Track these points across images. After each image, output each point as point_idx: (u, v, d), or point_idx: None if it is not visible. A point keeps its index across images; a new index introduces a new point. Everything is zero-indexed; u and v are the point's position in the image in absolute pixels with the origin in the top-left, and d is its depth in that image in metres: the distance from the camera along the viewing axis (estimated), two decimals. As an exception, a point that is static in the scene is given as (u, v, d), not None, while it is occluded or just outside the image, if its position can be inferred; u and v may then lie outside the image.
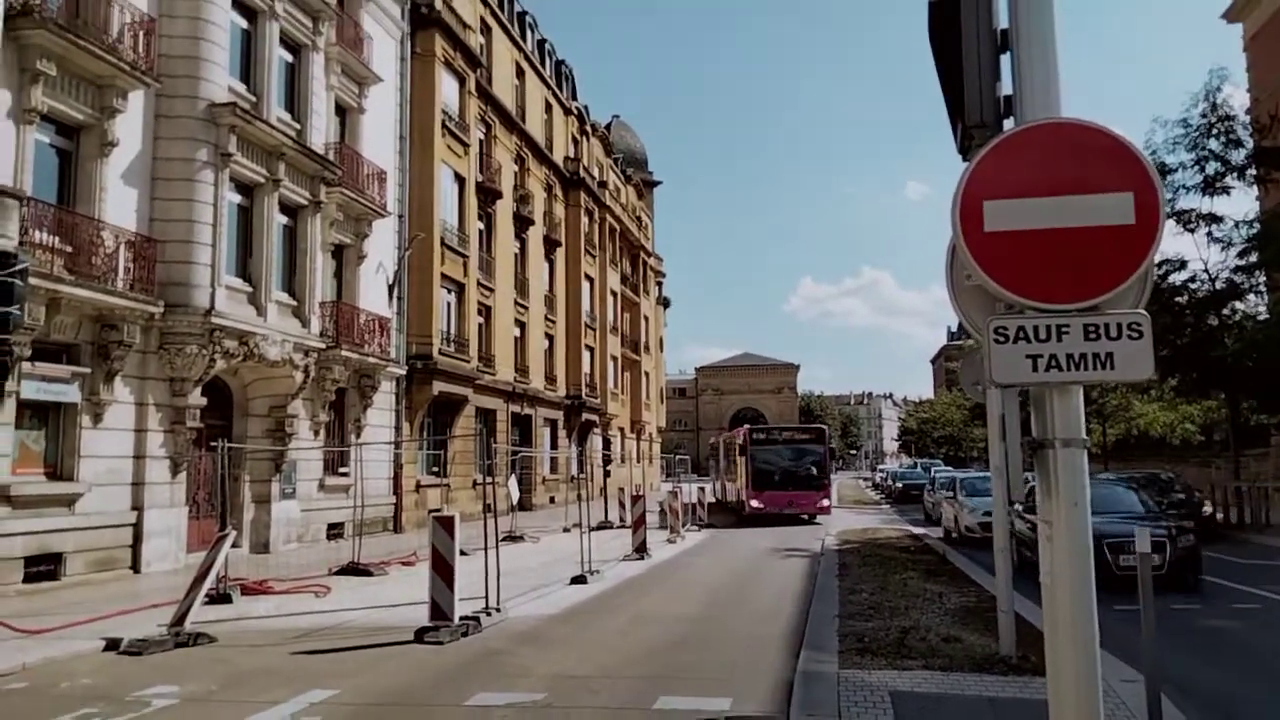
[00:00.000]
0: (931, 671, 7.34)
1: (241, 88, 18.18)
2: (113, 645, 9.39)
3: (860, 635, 8.79)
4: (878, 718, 6.11)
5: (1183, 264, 24.16)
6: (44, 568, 13.74)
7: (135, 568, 15.29)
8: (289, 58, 20.13)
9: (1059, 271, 3.07)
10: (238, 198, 17.95)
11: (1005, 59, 3.46)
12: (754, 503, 29.32)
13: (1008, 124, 3.45)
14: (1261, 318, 23.75)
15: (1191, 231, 23.87)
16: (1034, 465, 3.14)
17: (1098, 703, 2.89)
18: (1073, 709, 2.89)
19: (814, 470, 30.26)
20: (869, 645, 8.31)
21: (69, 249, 14.09)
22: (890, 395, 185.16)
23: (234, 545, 13.11)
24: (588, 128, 47.17)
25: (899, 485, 45.68)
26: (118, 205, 15.26)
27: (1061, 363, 3.01)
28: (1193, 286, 24.14)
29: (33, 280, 12.53)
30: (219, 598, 11.69)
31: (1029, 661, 7.37)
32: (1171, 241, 44.05)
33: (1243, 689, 7.55)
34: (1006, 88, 3.48)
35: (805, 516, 29.24)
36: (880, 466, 79.03)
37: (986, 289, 3.20)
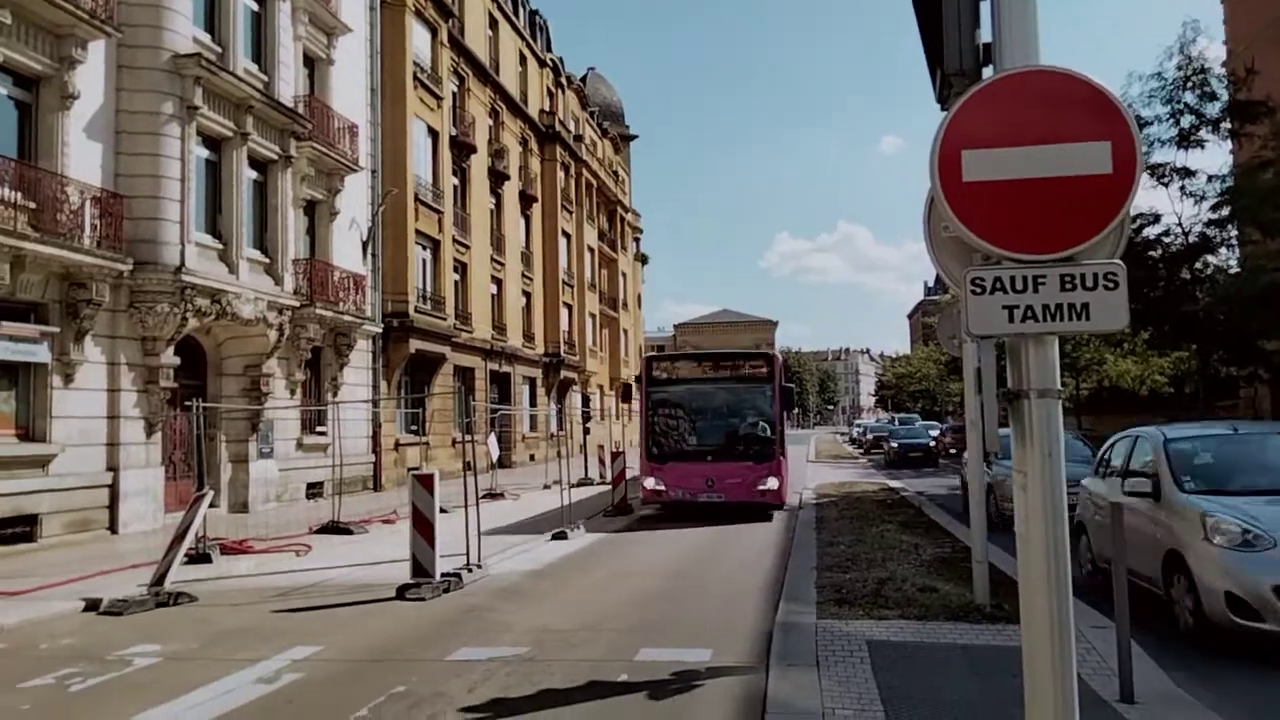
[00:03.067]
0: (907, 621, 7.47)
1: (206, 38, 17.69)
2: (92, 606, 9.36)
3: (838, 586, 8.92)
4: (854, 666, 6.21)
5: (1156, 218, 24.25)
6: (19, 529, 13.63)
7: (113, 528, 15.20)
8: (255, 7, 19.59)
9: (1037, 221, 3.06)
10: (205, 152, 17.56)
11: (985, 6, 3.42)
12: (651, 482, 17.11)
13: (987, 72, 3.42)
14: (1233, 271, 23.97)
15: (1166, 185, 23.90)
16: (1009, 416, 3.16)
17: (1070, 648, 2.94)
18: (1046, 655, 2.94)
19: (756, 428, 17.19)
20: (846, 596, 8.44)
21: (32, 205, 13.76)
22: (868, 350, 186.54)
23: (212, 505, 13.05)
24: (563, 80, 46.46)
25: (894, 445, 36.25)
26: (81, 160, 14.89)
27: (1038, 313, 3.02)
28: (1166, 240, 24.28)
29: (-4, 238, 12.23)
30: (198, 557, 11.66)
31: (1003, 610, 7.52)
32: (1146, 195, 44.18)
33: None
34: (986, 35, 3.44)
35: (745, 507, 16.61)
36: (857, 421, 79.32)
37: (964, 240, 3.19)
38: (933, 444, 35.00)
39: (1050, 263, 3.04)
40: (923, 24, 3.81)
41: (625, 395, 30.19)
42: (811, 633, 7.15)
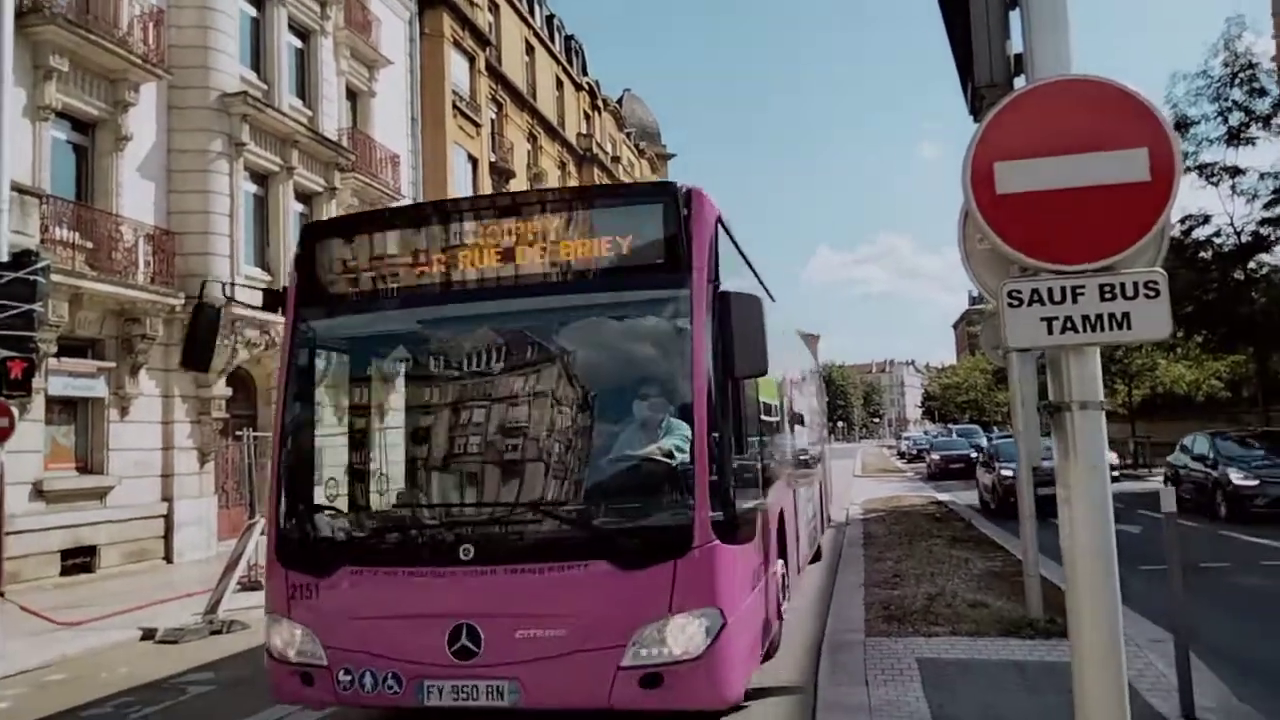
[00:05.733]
0: (958, 637, 7.34)
1: (252, 76, 18.20)
2: (149, 635, 9.58)
3: (886, 603, 8.79)
4: (904, 685, 6.11)
5: (1206, 219, 23.72)
6: (79, 560, 14.01)
7: (168, 558, 15.55)
8: (298, 44, 20.11)
9: (1073, 232, 3.02)
10: (253, 187, 18.03)
11: (1015, 16, 3.40)
12: (285, 639, 5.31)
13: (1018, 82, 3.40)
14: (1290, 270, 23.35)
15: (1215, 185, 23.40)
16: (1051, 429, 3.11)
17: (1120, 664, 2.87)
18: (1095, 670, 2.88)
19: (642, 445, 5.15)
20: (895, 613, 8.31)
21: (89, 245, 14.24)
22: (912, 362, 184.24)
23: (264, 533, 13.29)
24: (599, 102, 46.87)
25: (936, 457, 34.68)
26: (135, 199, 15.39)
27: (1077, 324, 2.97)
28: (1217, 241, 23.72)
29: (55, 277, 12.61)
30: (251, 585, 11.86)
31: (1056, 624, 7.34)
32: (1195, 195, 43.27)
33: (1273, 645, 7.48)
34: (1017, 46, 3.42)
35: None
36: (905, 434, 77.55)
37: (999, 252, 3.16)
38: (975, 454, 32.01)
39: (1088, 273, 2.99)
40: (953, 35, 3.80)
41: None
42: (860, 650, 7.05)
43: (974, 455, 30.60)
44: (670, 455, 4.91)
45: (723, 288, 5.03)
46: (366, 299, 5.57)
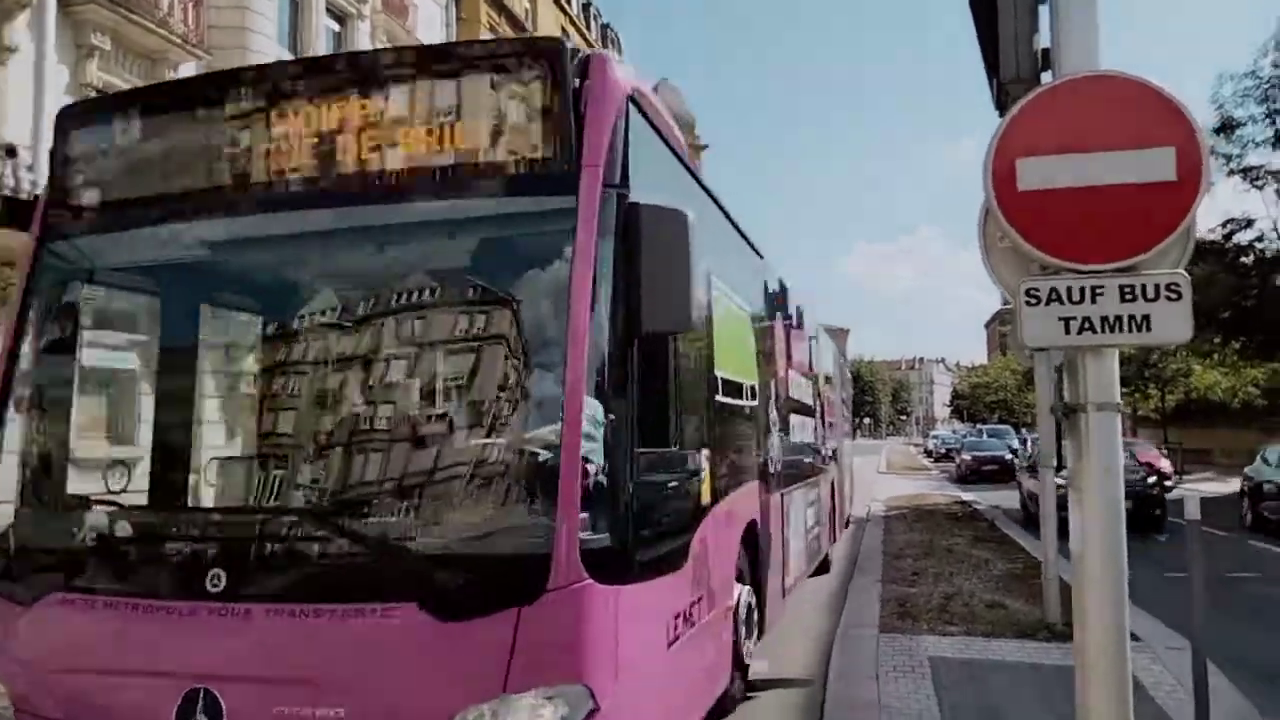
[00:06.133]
0: (973, 638, 7.29)
1: (289, 57, 18.36)
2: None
3: (902, 600, 8.75)
4: (915, 682, 6.09)
5: (1249, 222, 23.26)
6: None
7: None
8: (336, 26, 20.28)
9: (1095, 231, 2.99)
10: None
11: (1044, 10, 3.36)
12: None
13: (1045, 78, 3.36)
14: (1333, 278, 22.85)
15: (1260, 188, 22.93)
16: (1066, 429, 3.08)
17: (1126, 669, 2.86)
18: (1100, 674, 2.86)
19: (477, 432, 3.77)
20: (910, 610, 8.27)
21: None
22: (942, 360, 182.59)
23: None
24: (634, 91, 46.83)
25: (967, 458, 31.88)
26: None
27: (1095, 325, 2.94)
28: (1259, 246, 23.27)
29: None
30: None
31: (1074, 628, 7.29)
32: (1239, 199, 42.31)
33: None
34: (1045, 40, 3.38)
35: None
36: (933, 433, 76.08)
37: (1019, 250, 3.14)
38: (1010, 456, 30.18)
39: (1109, 273, 2.96)
40: (980, 29, 3.76)
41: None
42: (873, 646, 7.03)
43: (1009, 457, 29.35)
44: (549, 447, 3.25)
45: (636, 199, 3.42)
46: (131, 213, 3.86)
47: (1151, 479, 16.16)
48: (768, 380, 7.13)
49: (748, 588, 5.68)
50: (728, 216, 6.03)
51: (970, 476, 30.25)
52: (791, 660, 7.12)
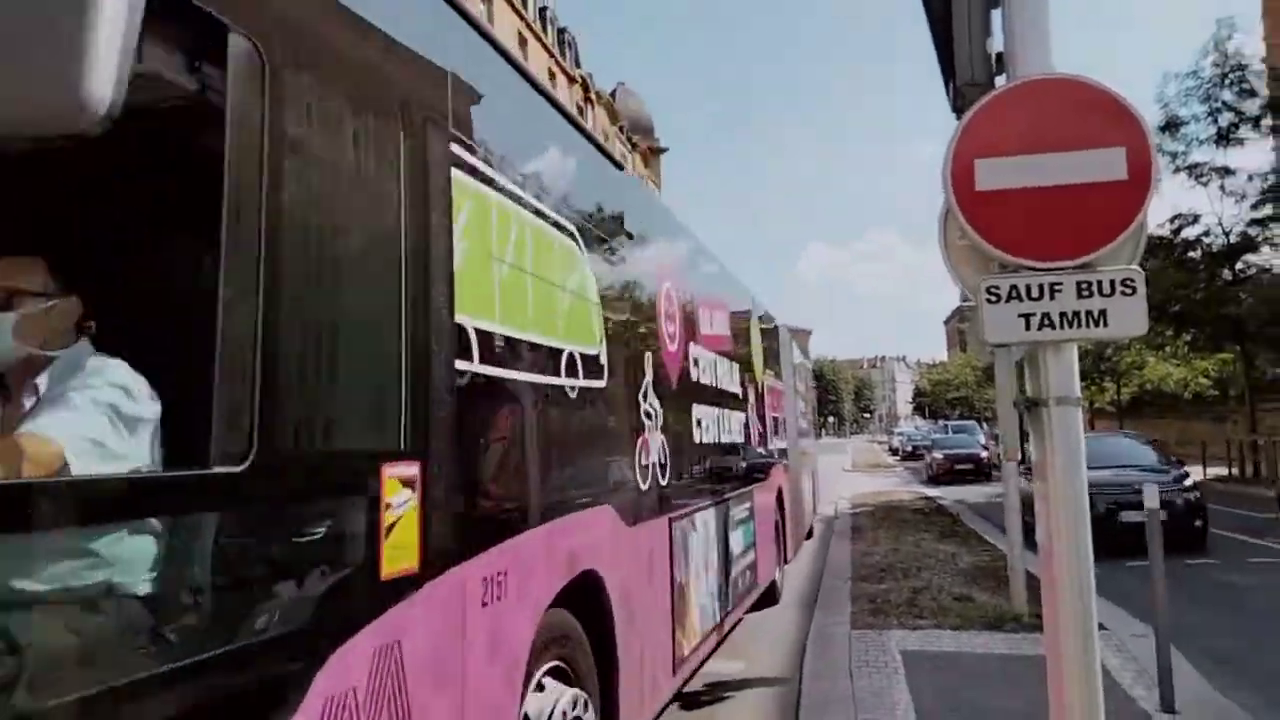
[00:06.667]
0: (943, 630, 7.40)
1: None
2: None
3: (872, 596, 8.86)
4: (889, 677, 6.17)
5: (1195, 218, 23.92)
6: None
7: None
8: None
9: (1052, 229, 3.05)
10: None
11: (996, 15, 3.43)
12: None
13: (1000, 81, 3.43)
14: (1277, 271, 23.52)
15: (1205, 185, 23.59)
16: (1029, 424, 3.15)
17: (1095, 659, 2.92)
18: (1070, 666, 2.93)
19: None
20: (881, 606, 8.37)
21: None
22: (904, 358, 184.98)
23: None
24: (592, 96, 46.92)
25: (939, 456, 29.78)
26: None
27: (1055, 321, 3.01)
28: (1206, 241, 23.90)
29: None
30: None
31: (1041, 619, 7.41)
32: (1185, 195, 43.43)
33: (1258, 642, 7.57)
34: (999, 45, 3.45)
35: None
36: (898, 430, 75.86)
37: (979, 249, 3.20)
38: (984, 453, 29.44)
39: (1067, 270, 3.03)
40: (935, 34, 3.83)
41: None
42: (846, 644, 7.11)
43: (983, 455, 28.84)
44: None
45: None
46: None
47: (1189, 481, 12.97)
48: (640, 352, 5.09)
49: (573, 693, 3.56)
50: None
51: (943, 477, 28.35)
52: (765, 661, 7.20)
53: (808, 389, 15.70)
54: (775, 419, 10.50)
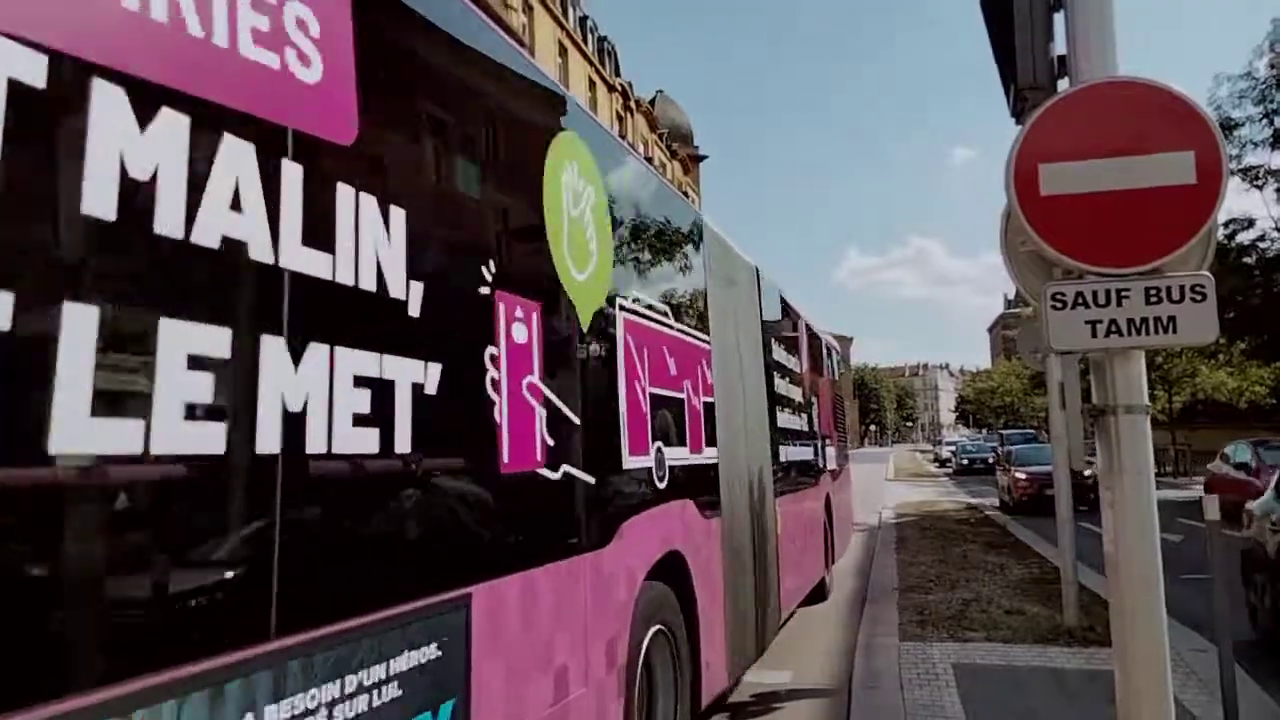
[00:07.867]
0: (994, 644, 7.28)
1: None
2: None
3: (920, 608, 8.74)
4: (940, 690, 6.08)
5: (1250, 222, 23.34)
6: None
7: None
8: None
9: (1118, 235, 3.00)
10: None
11: (1059, 18, 3.39)
12: None
13: (1062, 85, 3.39)
14: (1336, 276, 22.88)
15: (1259, 188, 23.03)
16: (1095, 433, 3.09)
17: (1165, 673, 2.85)
18: (1140, 680, 2.86)
19: None
20: (929, 618, 8.26)
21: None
22: (946, 366, 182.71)
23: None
24: (632, 104, 47.04)
25: (1020, 477, 20.54)
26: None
27: (1122, 328, 2.95)
28: (1261, 245, 23.32)
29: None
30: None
31: (1094, 632, 7.27)
32: (1239, 199, 42.36)
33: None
34: (1060, 48, 3.41)
35: None
36: (947, 441, 69.78)
37: (1043, 255, 3.15)
38: (1087, 470, 23.32)
39: (1134, 276, 2.98)
40: (995, 38, 3.79)
41: None
42: (894, 655, 7.02)
43: (1086, 473, 18.35)
44: None
45: None
46: None
47: None
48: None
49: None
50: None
51: (1026, 504, 19.94)
52: (813, 672, 7.12)
53: (849, 400, 15.87)
54: (825, 432, 10.98)
